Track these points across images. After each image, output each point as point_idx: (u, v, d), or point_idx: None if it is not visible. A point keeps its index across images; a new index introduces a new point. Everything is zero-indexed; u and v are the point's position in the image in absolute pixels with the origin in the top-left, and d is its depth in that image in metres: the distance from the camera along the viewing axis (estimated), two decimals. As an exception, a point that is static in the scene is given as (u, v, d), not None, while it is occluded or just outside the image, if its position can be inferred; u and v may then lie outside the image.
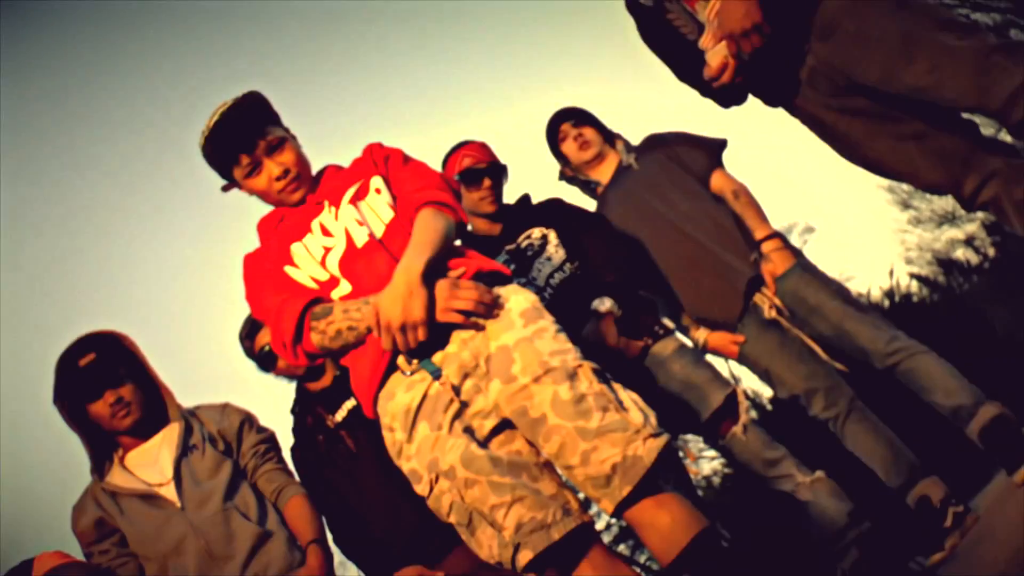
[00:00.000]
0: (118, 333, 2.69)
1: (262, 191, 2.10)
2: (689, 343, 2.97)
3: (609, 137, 3.24)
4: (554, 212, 2.95)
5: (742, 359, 3.00)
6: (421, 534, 2.48)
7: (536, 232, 2.89)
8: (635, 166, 3.13)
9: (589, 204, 3.26)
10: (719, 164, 3.12)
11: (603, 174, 3.23)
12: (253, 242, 2.18)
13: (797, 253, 2.99)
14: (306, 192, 2.11)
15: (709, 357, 2.97)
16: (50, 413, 2.60)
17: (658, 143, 3.19)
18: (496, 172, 2.97)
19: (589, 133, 3.20)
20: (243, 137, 2.05)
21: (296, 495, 2.62)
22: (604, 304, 2.64)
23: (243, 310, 2.60)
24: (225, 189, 2.18)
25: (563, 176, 3.32)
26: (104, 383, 2.56)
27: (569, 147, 3.21)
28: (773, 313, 2.88)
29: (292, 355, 1.96)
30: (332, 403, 2.71)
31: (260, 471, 2.65)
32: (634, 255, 2.94)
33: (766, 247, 2.93)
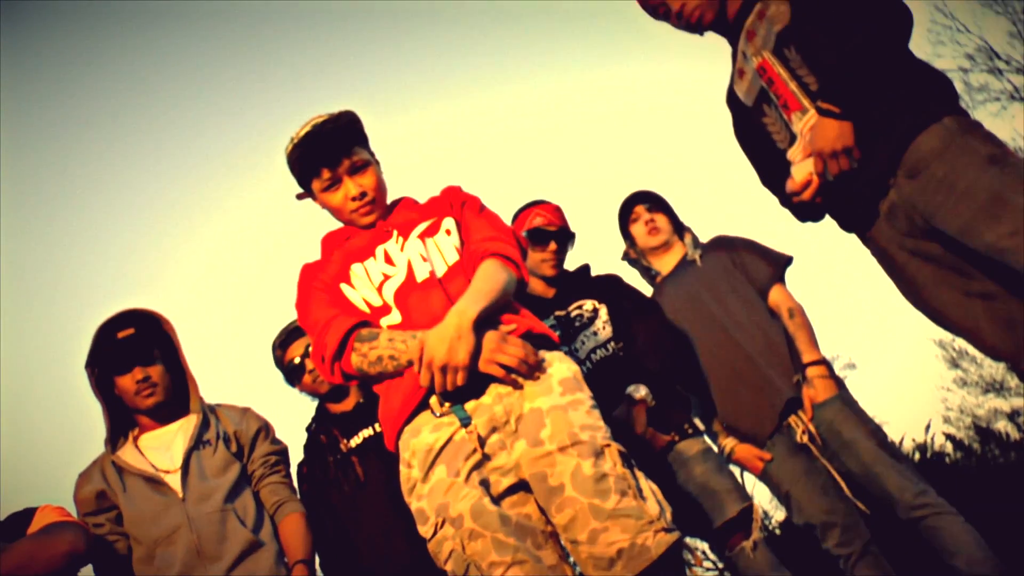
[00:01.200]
0: (161, 316, 2.73)
1: (335, 208, 2.15)
2: (715, 448, 2.94)
3: (679, 228, 3.27)
4: (610, 288, 2.96)
5: (764, 476, 2.96)
6: (404, 571, 2.45)
7: (588, 304, 2.90)
8: (699, 263, 3.15)
9: (645, 288, 3.27)
10: (781, 279, 3.12)
11: (666, 264, 3.25)
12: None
13: (840, 384, 2.95)
14: (378, 218, 2.15)
15: (732, 467, 2.93)
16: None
17: (726, 245, 3.20)
18: (563, 237, 2.99)
19: (661, 220, 3.23)
20: (330, 152, 2.10)
21: (294, 513, 2.61)
22: (640, 391, 2.63)
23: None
24: (299, 197, 2.23)
25: (626, 256, 3.34)
26: (136, 359, 2.61)
27: (639, 229, 3.24)
28: (805, 439, 2.85)
29: (329, 371, 1.98)
30: (350, 428, 2.72)
31: (265, 481, 2.65)
32: (679, 350, 2.93)
33: (811, 371, 2.91)
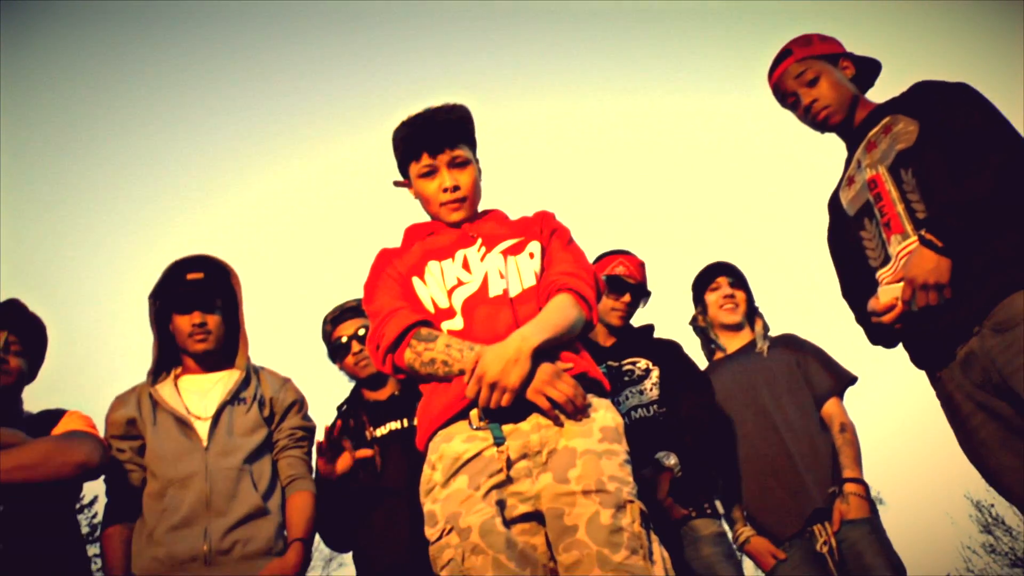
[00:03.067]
0: (231, 268, 2.79)
1: (427, 197, 2.17)
2: (729, 534, 2.91)
3: (752, 312, 3.27)
4: (668, 353, 2.96)
5: (771, 575, 2.92)
6: (403, 570, 2.46)
7: (643, 363, 2.91)
8: (764, 354, 3.14)
9: (701, 358, 3.27)
10: (840, 395, 3.09)
11: (731, 343, 3.25)
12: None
13: (874, 510, 2.90)
14: (464, 219, 2.17)
15: (743, 558, 2.89)
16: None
17: (794, 346, 3.19)
18: (639, 293, 3.01)
19: (741, 298, 3.24)
20: (435, 139, 2.13)
21: (305, 490, 2.63)
22: (670, 459, 2.63)
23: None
24: (397, 184, 2.27)
25: (694, 322, 3.34)
26: (198, 304, 2.67)
27: (715, 299, 3.25)
28: (824, 549, 2.81)
29: (380, 360, 2.00)
30: (379, 417, 2.73)
31: (286, 453, 2.68)
32: (718, 432, 2.92)
33: (848, 487, 2.86)
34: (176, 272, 2.72)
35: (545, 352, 1.86)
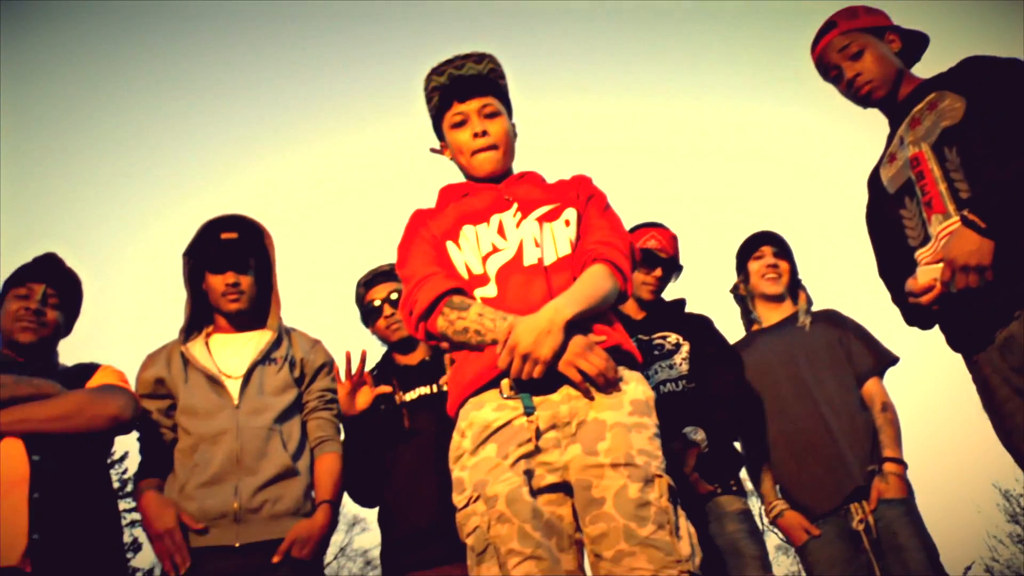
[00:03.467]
0: (266, 229, 2.79)
1: (458, 146, 2.15)
2: (753, 510, 2.90)
3: (795, 284, 3.21)
4: (699, 328, 2.94)
5: (802, 550, 2.91)
6: (426, 534, 2.48)
7: (673, 337, 2.89)
8: (806, 327, 3.09)
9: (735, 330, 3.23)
10: (881, 374, 3.05)
11: (770, 315, 3.20)
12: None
13: (910, 491, 2.86)
14: (497, 171, 2.15)
15: (770, 534, 2.88)
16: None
17: (837, 322, 3.13)
18: (671, 267, 2.98)
19: (784, 269, 3.18)
20: (465, 86, 2.13)
21: (334, 452, 2.65)
22: (697, 434, 2.62)
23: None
24: (433, 151, 2.25)
25: (735, 290, 3.29)
26: (231, 264, 2.69)
27: (758, 268, 3.19)
28: (861, 527, 2.78)
29: (412, 326, 2.00)
30: (409, 381, 2.74)
31: (316, 414, 2.70)
32: (748, 409, 2.90)
33: (888, 467, 2.83)
34: (210, 231, 2.73)
35: (578, 324, 1.84)
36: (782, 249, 3.21)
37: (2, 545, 2.15)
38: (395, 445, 2.63)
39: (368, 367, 2.71)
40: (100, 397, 2.41)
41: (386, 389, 2.68)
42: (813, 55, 2.47)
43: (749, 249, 3.24)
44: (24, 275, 2.62)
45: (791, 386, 2.98)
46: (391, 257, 2.25)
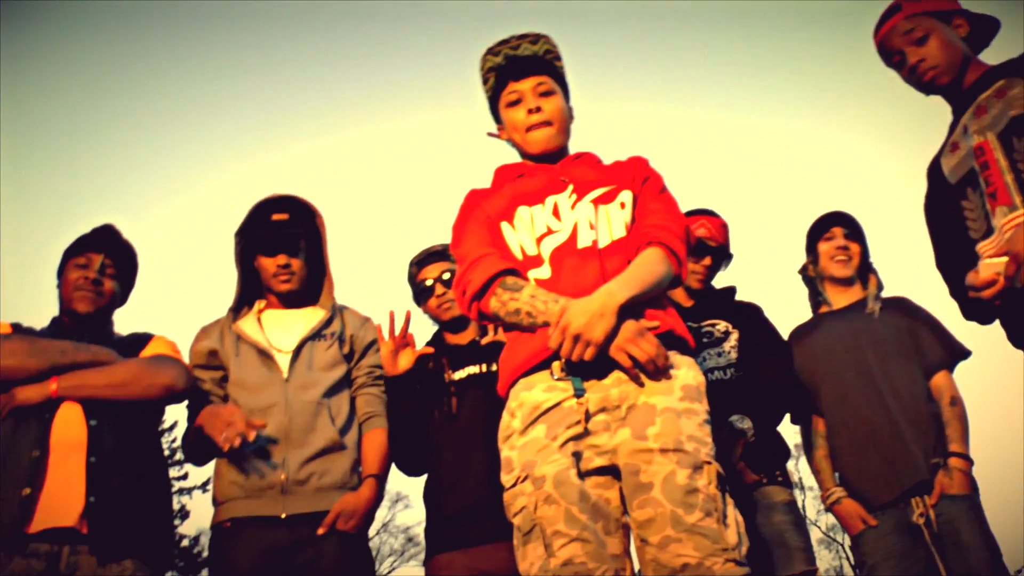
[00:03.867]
0: (317, 210, 2.81)
1: (514, 124, 2.15)
2: (798, 501, 2.86)
3: (866, 268, 3.09)
4: (749, 317, 2.91)
5: (856, 539, 2.85)
6: (472, 512, 2.49)
7: (722, 325, 2.87)
8: (875, 314, 2.98)
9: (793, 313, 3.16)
10: (951, 368, 2.94)
11: (839, 299, 3.10)
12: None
13: (975, 489, 2.77)
14: (551, 148, 2.14)
15: (811, 525, 2.84)
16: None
17: (908, 311, 3.02)
18: (720, 256, 2.95)
19: (855, 251, 3.07)
20: (519, 65, 2.14)
21: (381, 428, 2.67)
22: (744, 423, 2.59)
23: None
24: (491, 135, 2.26)
25: (803, 271, 3.19)
26: (282, 246, 2.71)
27: (827, 249, 3.09)
28: (921, 521, 2.70)
29: (466, 306, 2.01)
30: (459, 361, 2.74)
31: (364, 390, 2.73)
32: (796, 400, 2.86)
33: (953, 462, 2.73)
34: (262, 212, 2.75)
35: (631, 308, 1.84)
36: (853, 230, 3.10)
37: (61, 506, 2.21)
38: (443, 424, 2.63)
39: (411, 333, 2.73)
40: (154, 366, 2.46)
41: (428, 350, 2.71)
42: (875, 39, 2.40)
43: (820, 229, 3.13)
44: (83, 245, 2.67)
45: (855, 373, 2.89)
46: (445, 238, 2.26)
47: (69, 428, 2.30)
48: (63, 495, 2.23)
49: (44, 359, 2.35)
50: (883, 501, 2.79)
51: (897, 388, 2.84)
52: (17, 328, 2.54)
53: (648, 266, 1.91)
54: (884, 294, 3.08)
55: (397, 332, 2.65)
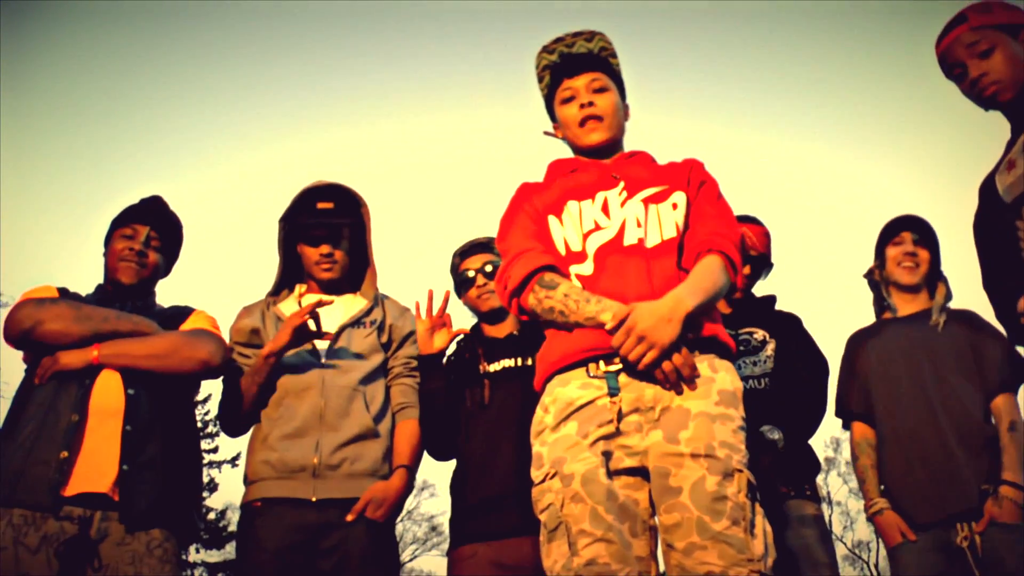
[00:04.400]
0: (363, 200, 2.82)
1: (567, 120, 2.16)
2: (825, 515, 2.81)
3: (935, 276, 2.96)
4: (787, 327, 2.87)
5: (893, 553, 2.75)
6: (498, 504, 2.48)
7: (760, 333, 2.84)
8: (939, 326, 2.85)
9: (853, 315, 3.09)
10: (1015, 390, 2.79)
11: (905, 306, 2.97)
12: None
13: None
14: (602, 142, 2.14)
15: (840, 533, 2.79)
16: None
17: (975, 325, 2.87)
18: (761, 265, 2.92)
19: (923, 258, 2.95)
20: (574, 62, 2.15)
21: (414, 419, 2.67)
22: (774, 434, 2.57)
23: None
24: (547, 134, 2.26)
25: (869, 275, 3.09)
26: (326, 236, 2.72)
27: (895, 255, 2.97)
28: (964, 544, 2.60)
29: (507, 300, 2.02)
30: (495, 353, 2.74)
31: (400, 379, 2.73)
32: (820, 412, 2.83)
33: (1005, 490, 2.61)
34: (307, 199, 2.76)
35: (696, 317, 1.83)
36: (924, 236, 2.97)
37: (95, 471, 2.24)
38: (475, 410, 2.63)
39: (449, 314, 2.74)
40: (193, 340, 2.48)
41: (464, 330, 2.73)
42: (937, 50, 2.34)
43: (889, 233, 3.01)
44: (130, 216, 2.69)
45: (910, 385, 2.79)
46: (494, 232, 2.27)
47: (108, 395, 2.33)
48: (98, 461, 2.26)
49: (88, 326, 2.38)
50: (924, 521, 2.69)
51: (951, 406, 2.72)
52: (64, 293, 2.57)
53: (712, 275, 1.91)
54: (952, 305, 2.96)
55: (435, 311, 2.66)
